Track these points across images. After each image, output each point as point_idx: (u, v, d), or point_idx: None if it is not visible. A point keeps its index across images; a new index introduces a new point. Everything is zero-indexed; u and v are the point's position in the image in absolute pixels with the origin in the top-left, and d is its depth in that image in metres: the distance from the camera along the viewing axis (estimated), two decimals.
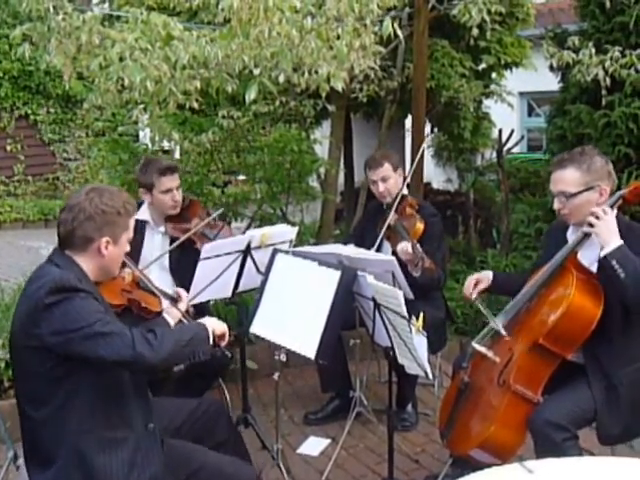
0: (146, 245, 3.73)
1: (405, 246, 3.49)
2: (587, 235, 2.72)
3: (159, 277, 3.56)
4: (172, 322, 2.62)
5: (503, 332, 2.79)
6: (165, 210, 3.71)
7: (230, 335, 2.51)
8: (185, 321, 2.63)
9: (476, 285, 3.08)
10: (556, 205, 2.82)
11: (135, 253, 3.62)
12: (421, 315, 2.69)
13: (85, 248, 2.31)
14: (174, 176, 3.69)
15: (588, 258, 2.81)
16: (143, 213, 3.72)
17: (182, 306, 2.74)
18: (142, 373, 2.31)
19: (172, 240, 3.74)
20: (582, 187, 2.73)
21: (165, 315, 2.64)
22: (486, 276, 3.13)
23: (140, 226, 3.66)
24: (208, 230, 3.68)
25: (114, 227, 2.33)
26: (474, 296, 3.05)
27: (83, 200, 2.30)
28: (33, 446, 2.29)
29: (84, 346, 2.13)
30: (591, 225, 2.65)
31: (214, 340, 2.41)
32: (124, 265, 2.61)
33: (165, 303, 2.79)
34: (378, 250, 3.75)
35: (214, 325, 2.44)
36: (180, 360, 2.40)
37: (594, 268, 2.78)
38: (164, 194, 3.66)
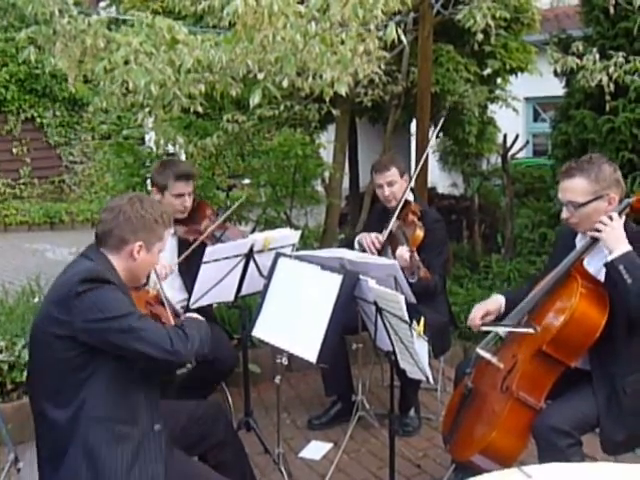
0: None
1: (403, 253, 3.51)
2: (594, 242, 2.71)
3: (169, 280, 3.57)
4: None
5: (530, 330, 2.69)
6: (172, 213, 3.70)
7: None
8: None
9: (484, 316, 2.96)
10: (564, 214, 2.79)
11: None
12: (422, 319, 2.69)
13: (119, 249, 2.38)
14: (189, 182, 3.70)
15: (595, 266, 2.80)
16: None
17: None
18: (172, 369, 2.42)
19: (180, 242, 3.75)
20: (591, 196, 2.70)
21: None
22: (496, 305, 3.00)
23: None
24: (216, 230, 3.70)
25: (149, 234, 2.42)
26: (479, 326, 2.91)
27: (125, 203, 2.41)
28: (47, 445, 2.30)
29: (120, 339, 2.20)
30: (598, 231, 2.64)
31: None
32: (148, 278, 2.65)
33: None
34: (380, 254, 3.76)
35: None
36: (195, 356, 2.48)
37: (601, 276, 2.76)
38: (175, 198, 3.67)
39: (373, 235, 3.86)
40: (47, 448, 2.32)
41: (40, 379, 2.32)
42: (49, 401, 2.27)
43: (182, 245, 3.73)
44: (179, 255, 3.72)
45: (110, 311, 2.20)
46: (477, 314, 2.96)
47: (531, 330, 2.68)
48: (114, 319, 2.20)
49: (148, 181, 5.31)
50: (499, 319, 2.96)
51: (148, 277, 2.67)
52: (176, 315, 2.75)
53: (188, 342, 2.32)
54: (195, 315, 2.60)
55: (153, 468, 2.29)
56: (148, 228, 2.41)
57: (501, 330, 2.80)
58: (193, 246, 3.54)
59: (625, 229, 2.64)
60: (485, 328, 2.87)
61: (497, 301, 3.01)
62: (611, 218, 2.63)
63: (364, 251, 3.83)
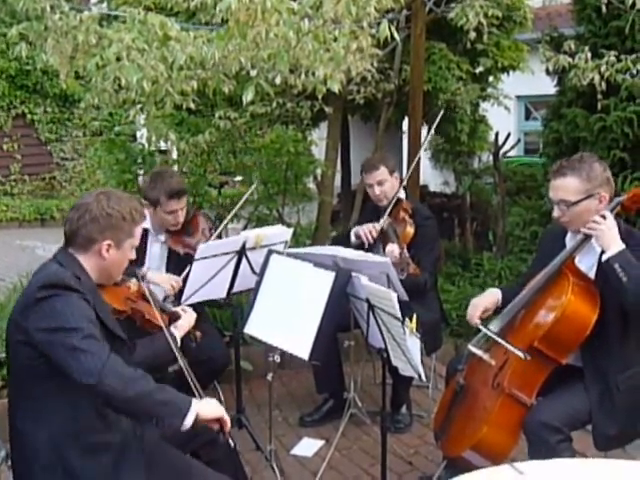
0: (147, 252, 3.73)
1: (393, 249, 3.52)
2: (586, 239, 2.72)
3: (155, 287, 3.55)
4: (179, 336, 2.62)
5: (521, 354, 2.66)
6: (165, 227, 3.69)
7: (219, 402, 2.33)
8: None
9: (483, 313, 2.93)
10: (556, 213, 2.81)
11: (139, 261, 3.63)
12: (414, 316, 2.70)
13: (87, 248, 2.32)
14: (182, 199, 3.62)
15: (586, 264, 2.82)
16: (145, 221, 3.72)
17: (184, 322, 2.72)
18: (100, 399, 2.19)
19: (170, 251, 3.72)
20: (582, 195, 2.72)
21: (173, 329, 2.63)
22: (494, 299, 2.98)
23: (143, 233, 3.65)
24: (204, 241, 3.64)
25: (117, 231, 2.35)
26: (479, 323, 2.89)
27: (91, 201, 2.33)
28: (17, 449, 2.28)
29: (58, 352, 2.11)
30: (592, 229, 2.65)
31: (220, 426, 2.26)
32: (128, 274, 2.61)
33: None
34: (370, 250, 3.77)
35: (206, 409, 2.23)
36: (140, 413, 2.21)
37: (592, 274, 2.79)
38: (168, 214, 3.61)
39: (370, 225, 3.86)
40: (20, 457, 2.28)
41: (14, 384, 2.30)
42: (22, 408, 2.25)
43: (172, 256, 3.70)
44: (167, 264, 3.70)
45: (59, 321, 2.11)
46: (476, 312, 2.92)
47: (521, 355, 2.64)
48: (60, 330, 2.11)
49: (140, 178, 5.30)
50: (497, 313, 2.95)
51: (129, 273, 2.62)
52: (163, 311, 2.71)
53: (124, 384, 2.08)
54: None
55: (137, 474, 2.26)
56: (115, 226, 2.33)
57: (501, 341, 2.74)
58: (186, 271, 3.41)
59: (617, 227, 2.66)
60: (483, 329, 2.83)
61: (494, 295, 3.00)
62: (604, 217, 2.64)
63: (361, 242, 3.84)
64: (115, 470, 2.23)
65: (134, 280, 2.73)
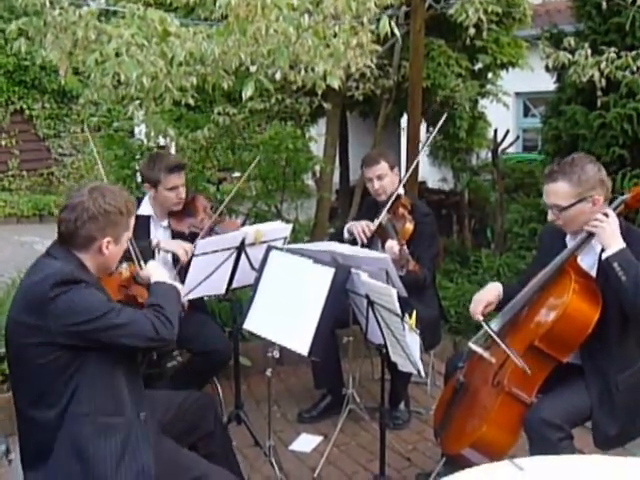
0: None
1: (393, 246, 3.52)
2: (588, 238, 2.71)
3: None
4: None
5: (519, 363, 2.66)
6: (168, 206, 3.72)
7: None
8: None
9: (486, 307, 2.92)
10: (550, 217, 2.80)
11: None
12: (414, 313, 2.70)
13: (87, 247, 2.34)
14: (181, 174, 3.70)
15: (587, 262, 2.81)
16: (145, 208, 3.74)
17: None
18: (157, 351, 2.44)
19: (174, 234, 3.74)
20: (574, 199, 2.69)
21: None
22: (495, 293, 2.96)
23: (144, 221, 3.68)
24: (216, 225, 3.70)
25: (116, 227, 2.37)
26: (481, 319, 2.88)
27: (86, 200, 2.32)
28: (32, 444, 2.29)
29: (106, 337, 2.20)
30: (594, 227, 2.64)
31: None
32: (121, 260, 2.62)
33: None
34: (368, 246, 3.77)
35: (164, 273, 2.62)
36: None
37: (593, 273, 2.78)
38: (169, 191, 3.66)
39: (364, 223, 3.86)
40: (32, 447, 2.30)
41: (23, 384, 2.30)
42: (34, 404, 2.26)
43: (176, 238, 3.71)
44: None
45: (89, 313, 2.18)
46: (478, 307, 2.91)
47: (520, 365, 2.64)
48: (95, 320, 2.18)
49: (138, 174, 5.30)
50: (499, 308, 2.94)
51: (120, 260, 2.64)
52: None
53: (171, 325, 2.31)
54: (162, 279, 2.56)
55: (143, 456, 2.29)
56: (114, 222, 2.35)
57: (504, 347, 2.73)
58: (198, 239, 3.48)
59: (619, 225, 2.65)
60: (485, 327, 2.82)
61: (496, 289, 2.98)
62: (607, 215, 2.63)
63: (354, 239, 3.83)
64: (123, 450, 2.26)
65: (124, 265, 2.74)
